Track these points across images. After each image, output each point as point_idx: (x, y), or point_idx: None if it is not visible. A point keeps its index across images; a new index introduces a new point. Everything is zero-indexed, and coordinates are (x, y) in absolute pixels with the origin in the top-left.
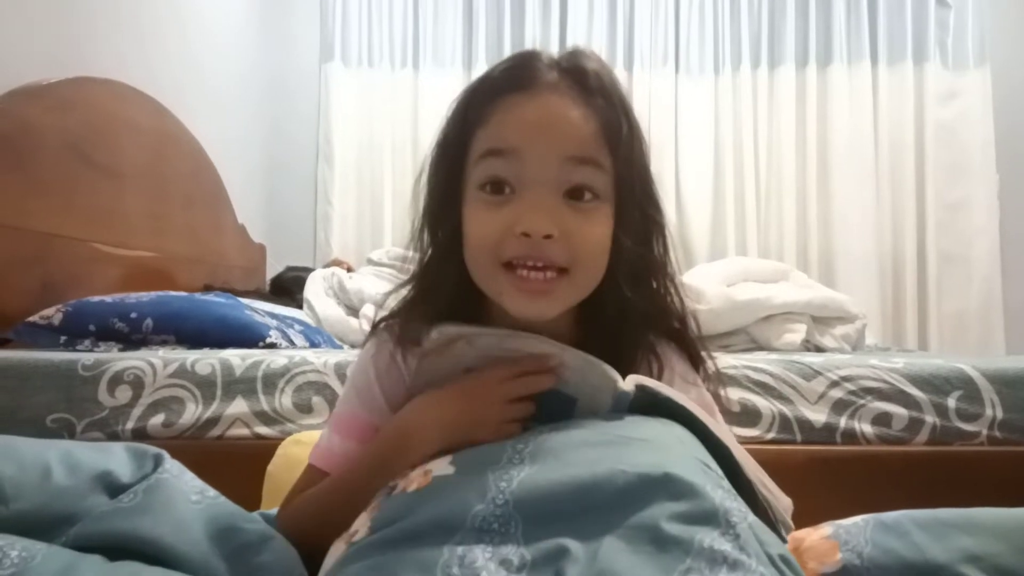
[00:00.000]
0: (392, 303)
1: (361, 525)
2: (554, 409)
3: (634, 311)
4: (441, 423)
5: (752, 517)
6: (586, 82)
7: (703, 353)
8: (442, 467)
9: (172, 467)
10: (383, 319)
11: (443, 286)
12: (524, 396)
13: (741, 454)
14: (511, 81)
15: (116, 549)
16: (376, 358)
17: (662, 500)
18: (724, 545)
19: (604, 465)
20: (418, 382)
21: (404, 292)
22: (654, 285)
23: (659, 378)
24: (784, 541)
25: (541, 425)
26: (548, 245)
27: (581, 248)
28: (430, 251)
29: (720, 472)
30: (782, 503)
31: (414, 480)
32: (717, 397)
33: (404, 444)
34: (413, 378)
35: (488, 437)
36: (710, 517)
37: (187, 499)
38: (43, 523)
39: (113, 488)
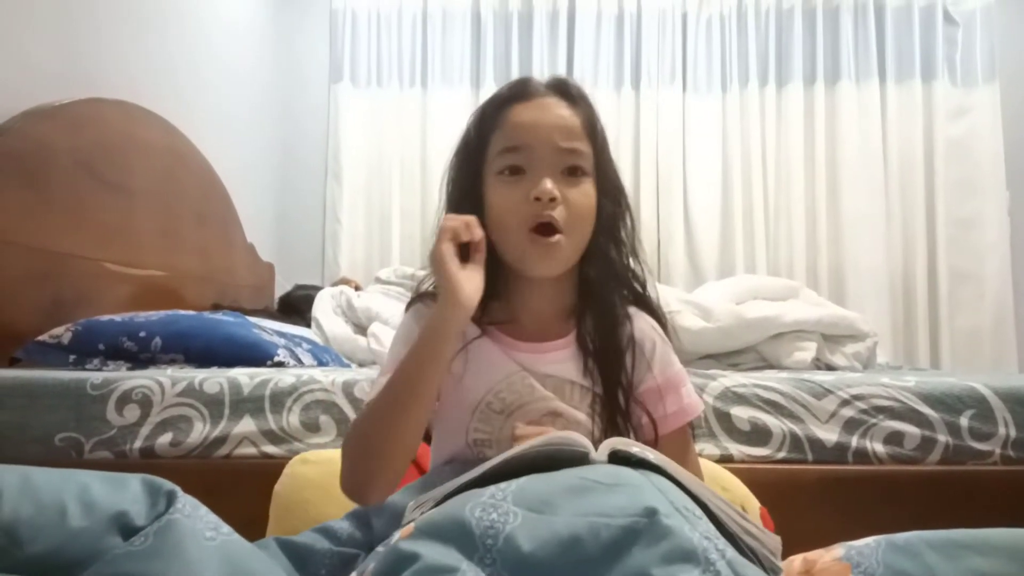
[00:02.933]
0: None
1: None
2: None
3: (613, 269)
4: (447, 302)
5: (731, 553)
6: (569, 91)
7: (661, 312)
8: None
9: (185, 505)
10: (418, 295)
11: None
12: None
13: (718, 506)
14: (515, 95)
15: None
16: (417, 317)
17: (644, 546)
18: None
19: (586, 517)
20: None
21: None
22: (625, 250)
23: (634, 336)
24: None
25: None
26: (553, 206)
27: (576, 211)
28: None
29: (698, 514)
30: (768, 545)
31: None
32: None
33: (441, 320)
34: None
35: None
36: (689, 556)
37: (200, 537)
38: (58, 566)
39: (127, 530)
